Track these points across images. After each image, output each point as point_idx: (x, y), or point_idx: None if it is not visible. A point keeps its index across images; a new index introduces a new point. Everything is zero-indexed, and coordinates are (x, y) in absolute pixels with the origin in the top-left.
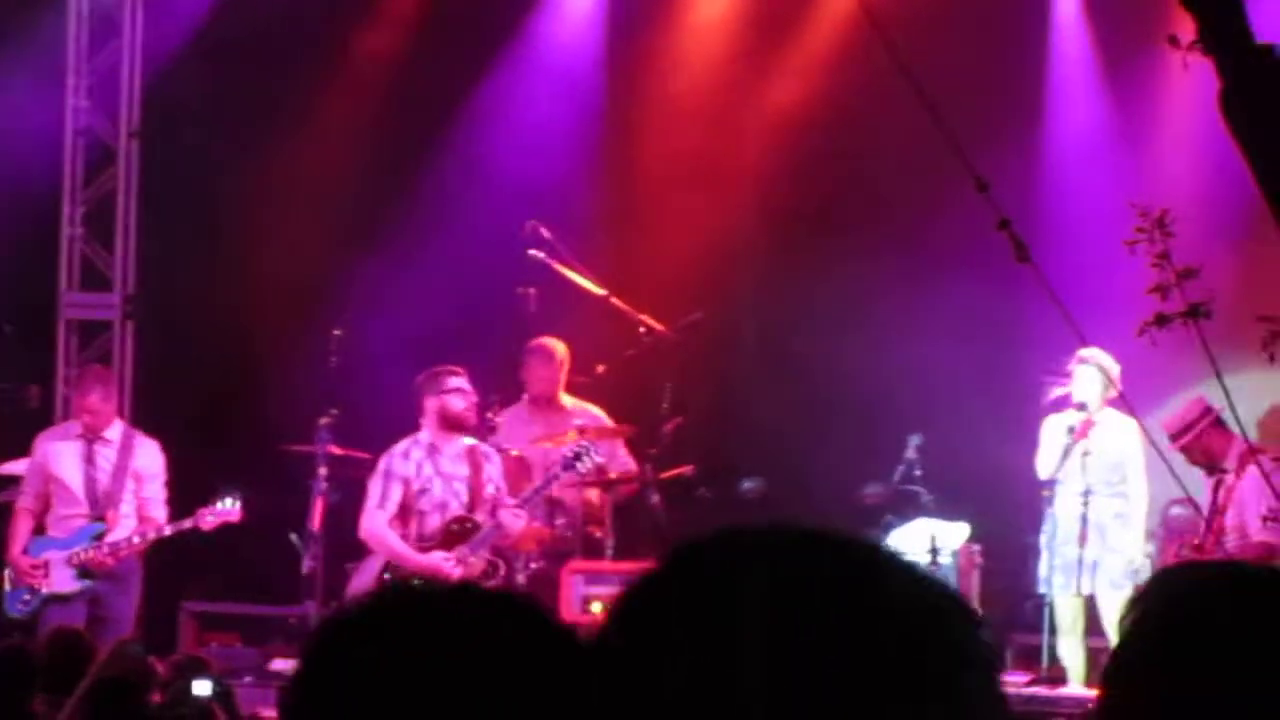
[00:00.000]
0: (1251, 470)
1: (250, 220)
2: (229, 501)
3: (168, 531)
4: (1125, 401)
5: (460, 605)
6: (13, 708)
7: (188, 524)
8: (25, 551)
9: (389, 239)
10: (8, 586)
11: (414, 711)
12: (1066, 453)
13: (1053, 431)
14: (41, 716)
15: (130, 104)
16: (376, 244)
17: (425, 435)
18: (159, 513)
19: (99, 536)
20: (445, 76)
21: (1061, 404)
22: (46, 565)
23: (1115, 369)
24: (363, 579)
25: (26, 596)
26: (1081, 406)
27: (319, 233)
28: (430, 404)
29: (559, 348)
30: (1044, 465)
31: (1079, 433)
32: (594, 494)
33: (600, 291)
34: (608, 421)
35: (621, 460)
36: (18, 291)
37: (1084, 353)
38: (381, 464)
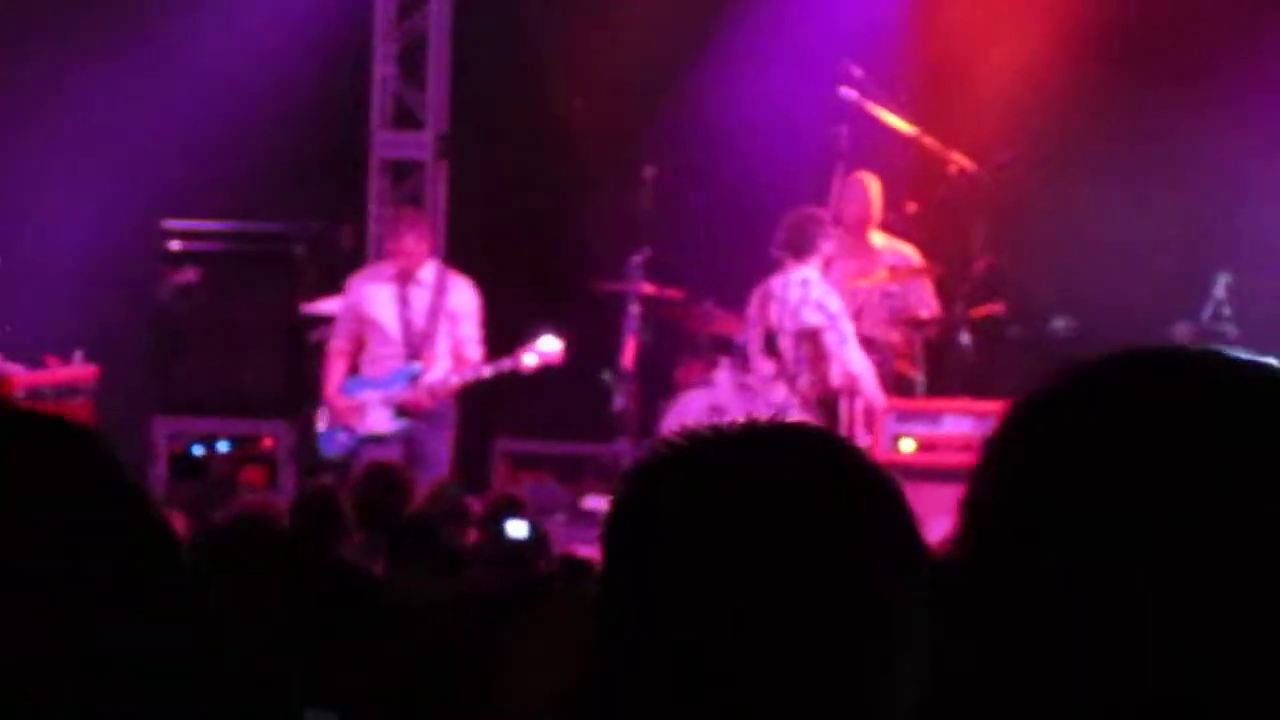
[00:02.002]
0: None
1: (562, 60)
2: (550, 341)
3: (486, 372)
4: None
5: (774, 443)
6: (318, 551)
7: (507, 364)
8: (341, 392)
9: (698, 79)
10: (323, 426)
11: (727, 551)
12: None
13: None
14: (357, 550)
15: None
16: (690, 78)
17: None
18: (474, 352)
19: (415, 377)
20: None
21: None
22: (363, 406)
23: None
24: (676, 416)
25: (343, 437)
26: None
27: (632, 74)
28: (825, 246)
29: (872, 181)
30: None
31: None
32: (903, 334)
33: (911, 130)
34: (918, 260)
35: (930, 299)
36: (328, 131)
37: None
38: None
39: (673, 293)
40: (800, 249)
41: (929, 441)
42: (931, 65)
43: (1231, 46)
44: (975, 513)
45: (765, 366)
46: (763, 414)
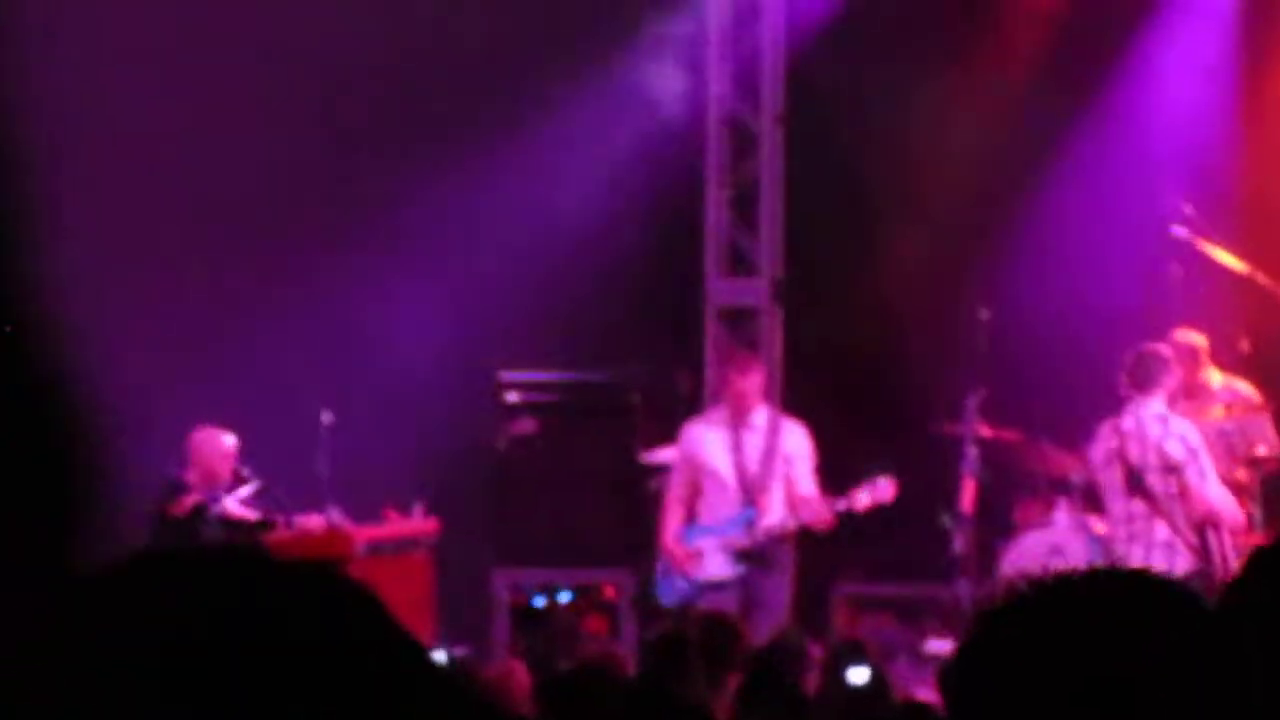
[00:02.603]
0: None
1: (892, 202)
2: (881, 481)
3: (825, 515)
4: None
5: (1123, 589)
6: (667, 696)
7: (842, 504)
8: (679, 539)
9: (1030, 217)
10: (662, 574)
11: (1070, 696)
12: None
13: None
14: (699, 696)
15: (774, 87)
16: (1017, 223)
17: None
18: (812, 491)
19: (752, 522)
20: (1089, 58)
21: None
22: (701, 553)
23: None
24: (1016, 557)
25: (681, 584)
26: None
27: (962, 212)
28: (1170, 381)
29: (1194, 335)
30: None
31: None
32: (1242, 472)
33: (1243, 267)
34: (1255, 397)
35: (1269, 436)
36: (663, 278)
37: None
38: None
39: (1009, 434)
40: (1146, 383)
41: None
42: (1263, 197)
43: None
44: None
45: (1135, 507)
46: (1144, 555)
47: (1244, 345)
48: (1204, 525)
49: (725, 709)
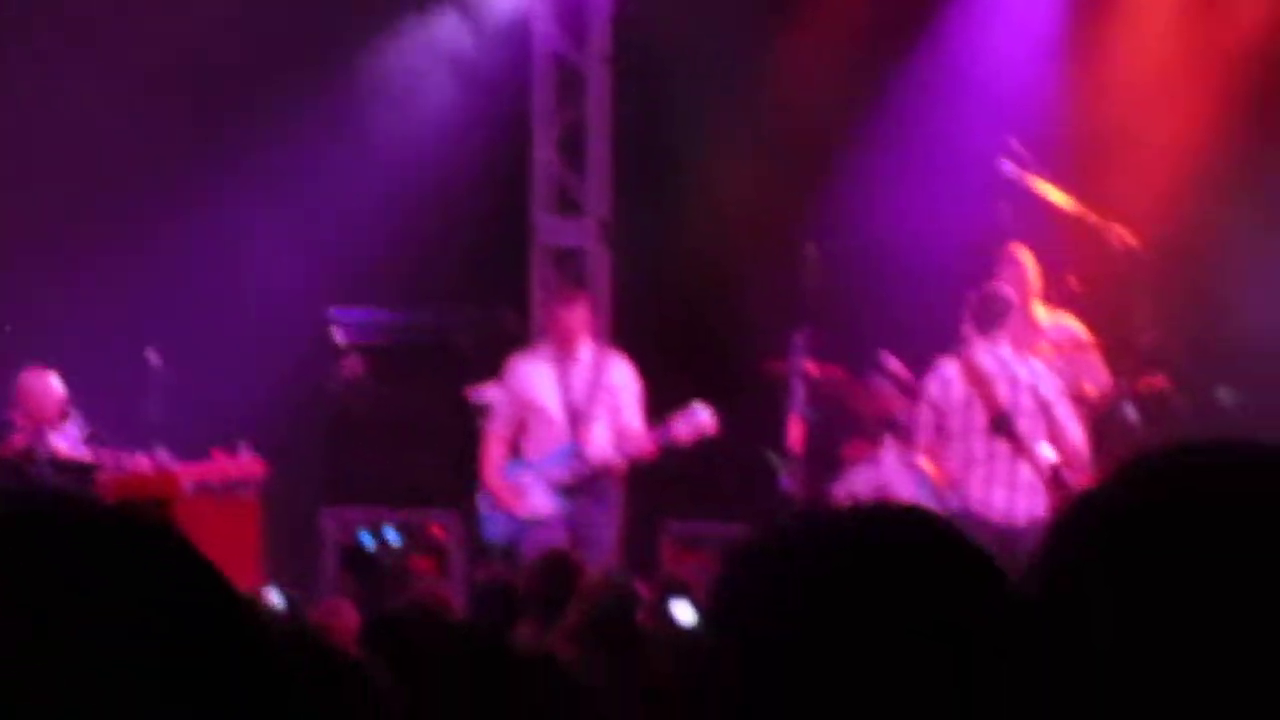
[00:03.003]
0: None
1: (720, 142)
2: (699, 409)
3: (646, 447)
4: None
5: (875, 524)
6: (495, 640)
7: (661, 434)
8: (502, 475)
9: (859, 158)
10: (485, 511)
11: (822, 632)
12: None
13: None
14: (527, 641)
15: (601, 28)
16: (849, 157)
17: None
18: (637, 427)
19: (575, 456)
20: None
21: None
22: (523, 488)
23: None
24: (844, 495)
25: (504, 520)
26: None
27: (791, 154)
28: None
29: (1027, 256)
30: None
31: None
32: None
33: (1072, 205)
34: (1083, 334)
35: (1097, 374)
36: (490, 219)
37: None
38: None
39: (836, 372)
40: (991, 324)
41: None
42: (1092, 137)
43: None
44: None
45: (998, 448)
46: (1006, 497)
47: (1072, 283)
48: (1061, 466)
49: (560, 647)
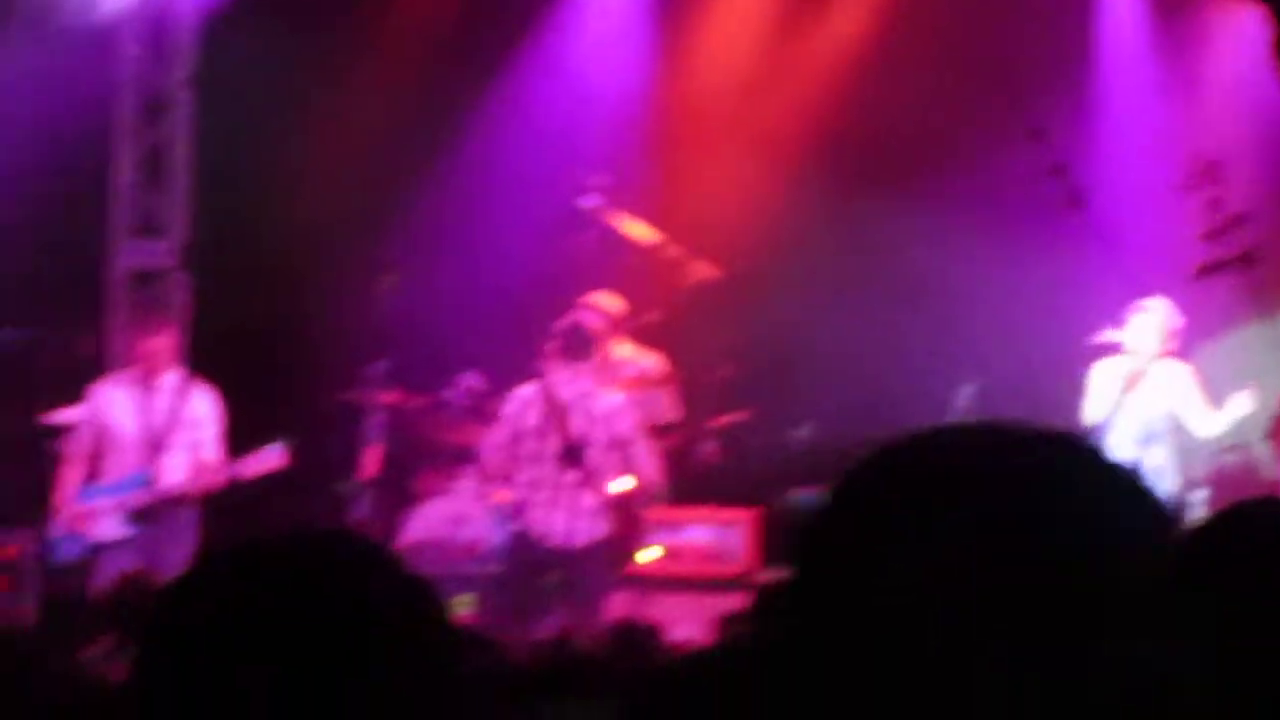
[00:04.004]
0: None
1: (301, 168)
2: (272, 449)
3: (216, 479)
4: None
5: (291, 550)
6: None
7: (232, 470)
8: (74, 499)
9: (440, 184)
10: (55, 534)
11: (253, 662)
12: (1117, 400)
13: (1103, 377)
14: (101, 659)
15: (186, 50)
16: (427, 190)
17: None
18: (211, 461)
19: (147, 483)
20: (497, 31)
21: (1112, 350)
22: (94, 512)
23: (1175, 320)
24: (419, 524)
25: (72, 544)
26: (1132, 352)
27: (370, 182)
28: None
29: (608, 298)
30: (1092, 410)
31: (1130, 383)
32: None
33: (653, 238)
34: (660, 368)
35: (671, 407)
36: (70, 239)
37: (1146, 302)
38: None
39: (414, 401)
40: (577, 353)
41: (672, 550)
42: (672, 172)
43: (959, 155)
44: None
45: (567, 477)
46: (567, 521)
47: (652, 315)
48: (632, 496)
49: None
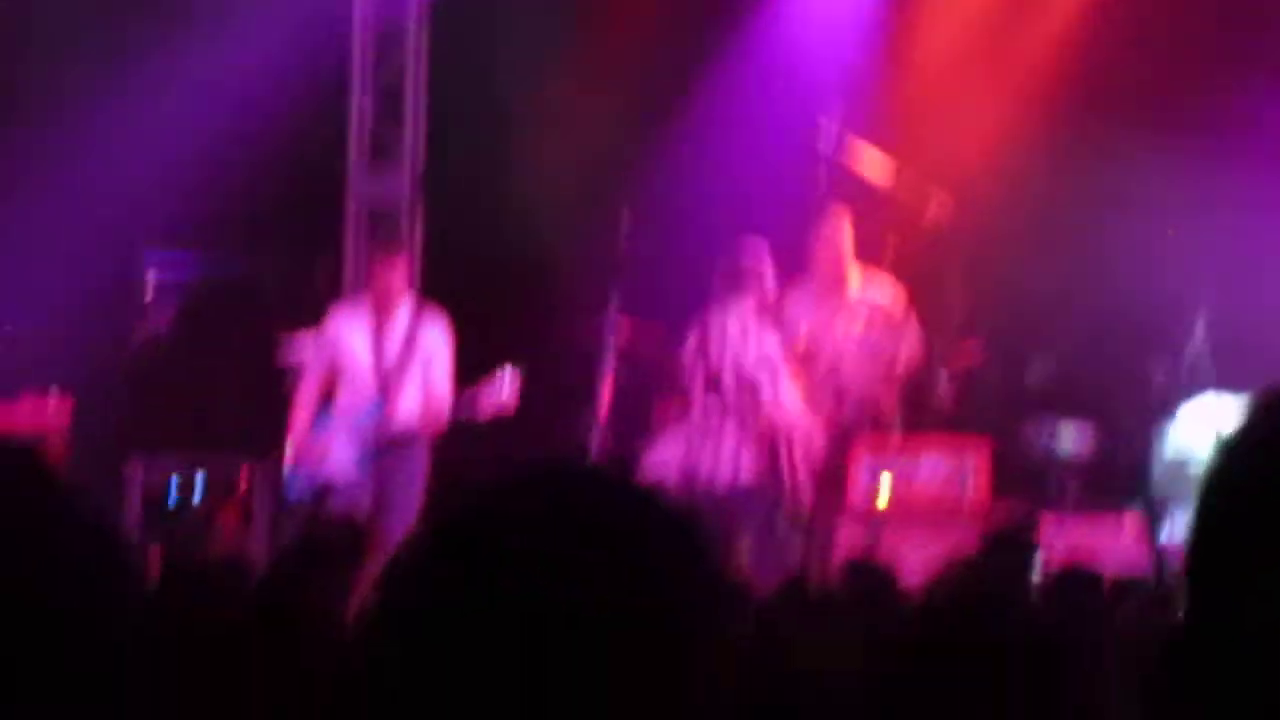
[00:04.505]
0: None
1: (540, 105)
2: (504, 379)
3: (446, 417)
4: None
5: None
6: (293, 599)
7: (462, 411)
8: (308, 431)
9: (679, 122)
10: (288, 469)
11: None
12: None
13: None
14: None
15: None
16: (666, 128)
17: None
18: (444, 392)
19: (380, 416)
20: None
21: None
22: (327, 447)
23: None
24: (656, 456)
25: (304, 480)
26: None
27: (608, 117)
28: (762, 284)
29: (845, 219)
30: None
31: None
32: (883, 375)
33: (887, 176)
34: (899, 301)
35: (911, 342)
36: (308, 170)
37: None
38: None
39: (649, 334)
40: (734, 287)
41: (907, 483)
42: (907, 109)
43: (1200, 92)
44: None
45: (711, 404)
46: (714, 453)
47: (888, 252)
48: (774, 435)
49: (356, 614)
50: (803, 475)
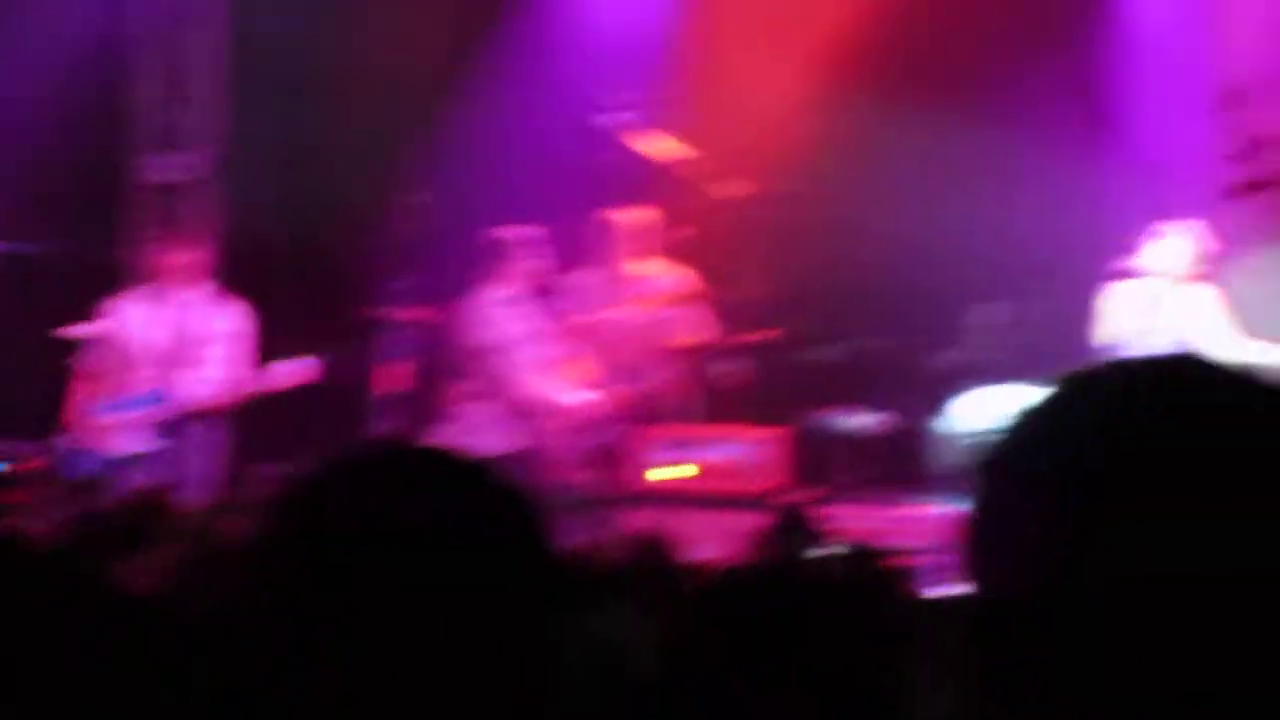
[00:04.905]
0: None
1: (332, 86)
2: (301, 360)
3: (243, 390)
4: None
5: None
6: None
7: (259, 383)
8: (90, 413)
9: (471, 102)
10: (70, 448)
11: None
12: (1135, 324)
13: (1120, 300)
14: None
15: None
16: (460, 107)
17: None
18: (240, 373)
19: (163, 399)
20: None
21: (1135, 273)
22: (111, 427)
23: (1203, 244)
24: (446, 438)
25: (89, 458)
26: (1155, 275)
27: (404, 98)
28: (518, 267)
29: (639, 210)
30: (1105, 332)
31: (1151, 306)
32: (677, 359)
33: (681, 155)
34: (693, 285)
35: (706, 325)
36: (97, 152)
37: (1171, 225)
38: None
39: (439, 317)
40: (490, 268)
41: (703, 467)
42: (704, 90)
43: (1004, 62)
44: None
45: (462, 388)
46: (462, 434)
47: (682, 233)
48: (524, 409)
49: (149, 581)
50: (572, 454)
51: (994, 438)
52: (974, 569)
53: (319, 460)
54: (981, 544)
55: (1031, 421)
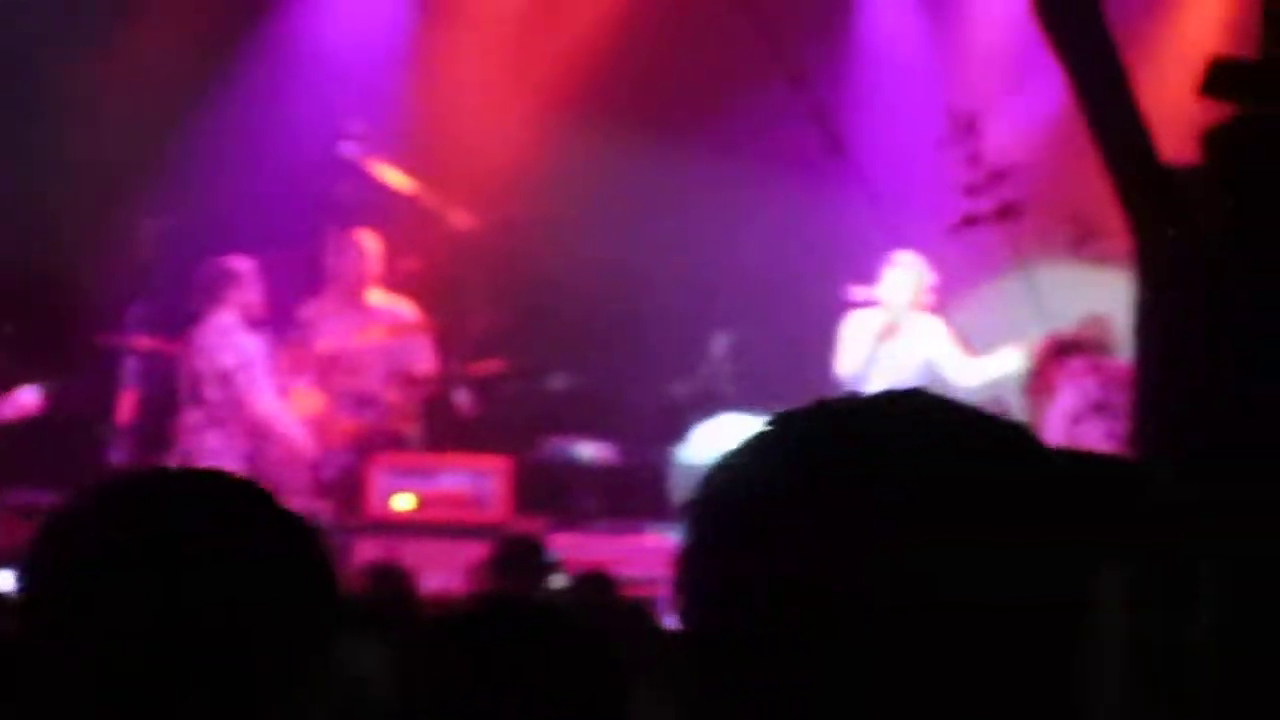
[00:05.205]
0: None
1: (65, 99)
2: (24, 390)
3: None
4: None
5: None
6: None
7: None
8: None
9: (209, 128)
10: None
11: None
12: (871, 353)
13: (856, 329)
14: None
15: None
16: (198, 133)
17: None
18: None
19: None
20: None
21: (868, 303)
22: None
23: (929, 275)
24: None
25: None
26: (886, 306)
27: (142, 123)
28: (238, 296)
29: (369, 239)
30: (845, 363)
31: (884, 335)
32: (396, 392)
33: (410, 186)
34: (415, 317)
35: (427, 356)
36: None
37: (900, 256)
38: None
39: (172, 345)
40: (214, 297)
41: (425, 497)
42: (433, 123)
43: (737, 93)
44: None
45: (192, 417)
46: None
47: (409, 264)
48: (256, 436)
49: None
50: (303, 482)
51: (704, 475)
52: (679, 605)
53: (79, 488)
54: (686, 581)
55: (734, 462)
